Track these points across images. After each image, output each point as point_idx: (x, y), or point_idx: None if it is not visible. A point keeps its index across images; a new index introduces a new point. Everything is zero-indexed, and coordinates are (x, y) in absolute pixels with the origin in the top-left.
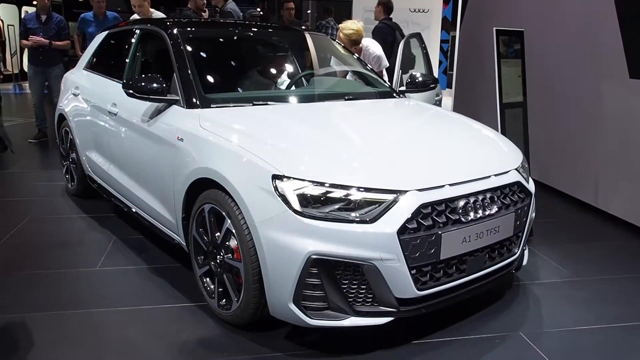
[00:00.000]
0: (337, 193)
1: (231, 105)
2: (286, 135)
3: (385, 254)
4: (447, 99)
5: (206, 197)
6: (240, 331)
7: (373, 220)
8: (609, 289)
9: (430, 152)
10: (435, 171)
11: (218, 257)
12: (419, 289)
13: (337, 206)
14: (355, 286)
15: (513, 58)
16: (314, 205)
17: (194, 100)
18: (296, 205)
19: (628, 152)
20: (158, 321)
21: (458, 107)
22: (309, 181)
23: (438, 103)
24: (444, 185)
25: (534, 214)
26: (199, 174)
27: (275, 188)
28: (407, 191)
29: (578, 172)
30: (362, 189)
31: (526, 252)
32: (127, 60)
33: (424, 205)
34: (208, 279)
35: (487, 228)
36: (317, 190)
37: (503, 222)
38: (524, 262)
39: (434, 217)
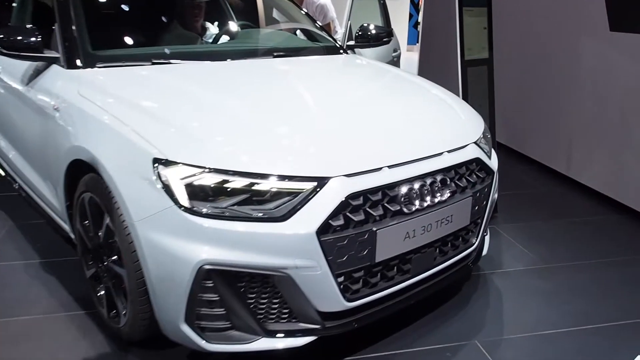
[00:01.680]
0: (238, 183)
1: (123, 64)
2: (184, 105)
3: (301, 260)
4: (416, 55)
5: (85, 184)
6: (134, 348)
7: (285, 217)
8: (580, 278)
9: (370, 126)
10: (371, 150)
11: (103, 258)
12: (348, 300)
13: (238, 200)
14: (266, 300)
15: (478, 6)
16: (208, 199)
17: (76, 58)
18: (184, 199)
19: (606, 114)
20: (34, 337)
21: (423, 65)
22: (200, 167)
23: (396, 60)
24: (381, 168)
25: (496, 195)
26: (73, 154)
27: (158, 176)
28: (330, 178)
29: (550, 137)
30: (271, 177)
31: (487, 239)
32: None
33: (353, 195)
34: (98, 283)
35: (437, 219)
36: (211, 180)
37: (458, 209)
38: (484, 252)
39: (368, 209)
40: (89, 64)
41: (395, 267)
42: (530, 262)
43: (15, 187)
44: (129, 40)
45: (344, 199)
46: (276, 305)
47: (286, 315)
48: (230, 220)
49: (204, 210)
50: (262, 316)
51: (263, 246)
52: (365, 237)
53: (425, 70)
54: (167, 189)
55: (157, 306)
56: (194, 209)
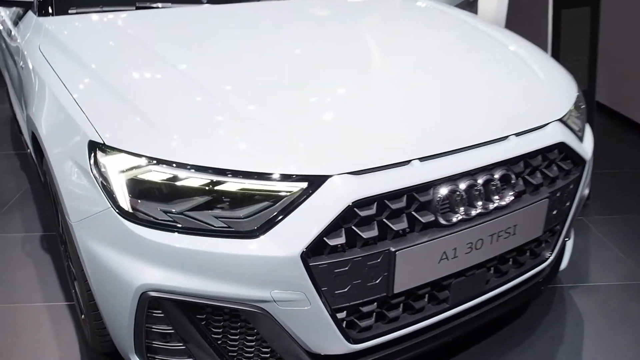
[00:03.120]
0: (198, 181)
1: (101, 9)
2: (152, 72)
3: (281, 292)
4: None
5: (43, 164)
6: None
7: (258, 231)
8: None
9: (399, 100)
10: (395, 135)
11: (67, 255)
12: (354, 341)
13: (194, 204)
14: (237, 337)
15: None
16: (155, 201)
17: (49, 3)
18: (123, 199)
19: None
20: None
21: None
22: (146, 157)
23: (472, 1)
24: (409, 161)
25: (587, 191)
26: (30, 125)
27: (94, 166)
28: (329, 176)
29: None
30: (244, 175)
31: (569, 245)
32: None
33: (362, 202)
34: (71, 278)
35: (491, 231)
36: (159, 175)
37: (525, 216)
38: (563, 266)
39: (385, 220)
40: (60, 10)
41: (427, 296)
42: (627, 273)
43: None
44: None
45: (347, 207)
46: (252, 343)
47: (267, 356)
48: (183, 233)
49: (149, 218)
50: (234, 354)
51: (227, 271)
52: (379, 260)
53: (509, 15)
54: (105, 184)
55: (109, 328)
56: (136, 214)
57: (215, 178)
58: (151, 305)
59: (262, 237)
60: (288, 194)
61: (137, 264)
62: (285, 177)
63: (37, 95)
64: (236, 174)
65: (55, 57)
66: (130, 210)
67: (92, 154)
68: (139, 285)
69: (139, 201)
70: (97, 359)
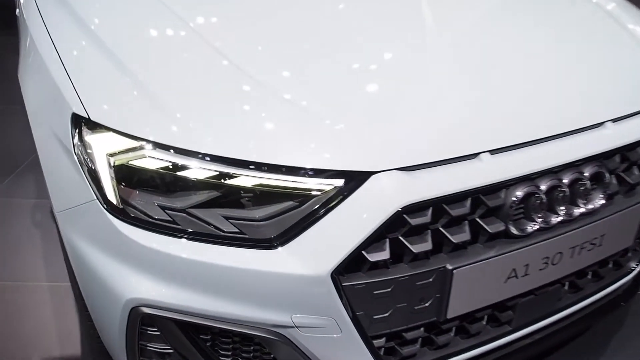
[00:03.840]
0: (203, 172)
1: None
2: (170, 35)
3: (304, 317)
4: None
5: None
6: None
7: (279, 240)
8: None
9: (469, 76)
10: (461, 121)
11: None
12: None
13: (201, 199)
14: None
15: None
16: (153, 194)
17: None
18: (111, 190)
19: None
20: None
21: None
22: (140, 140)
23: None
24: (477, 154)
25: None
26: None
27: (78, 145)
28: (372, 173)
29: None
30: (262, 167)
31: None
32: None
33: (414, 207)
34: None
35: (574, 243)
36: (158, 162)
37: (616, 223)
38: None
39: (442, 229)
40: None
41: (485, 318)
42: None
43: None
44: None
45: (395, 213)
46: None
47: None
48: (183, 237)
49: (141, 215)
50: None
51: (236, 288)
52: (431, 279)
53: None
54: (90, 169)
55: (100, 335)
56: (126, 209)
57: (225, 169)
58: (144, 322)
59: (281, 248)
60: (319, 193)
61: (126, 272)
62: (317, 172)
63: (25, 53)
64: (255, 166)
65: (48, 9)
66: (119, 205)
67: (77, 131)
68: (127, 300)
69: (130, 194)
70: (96, 345)
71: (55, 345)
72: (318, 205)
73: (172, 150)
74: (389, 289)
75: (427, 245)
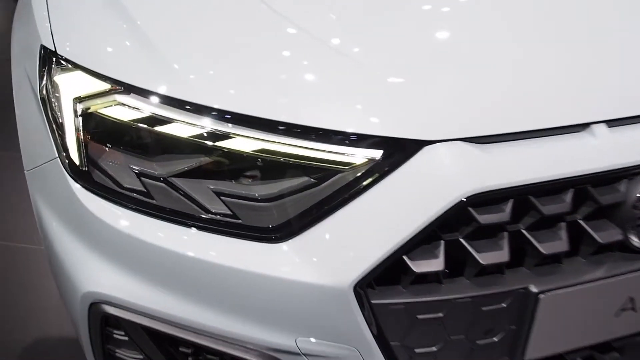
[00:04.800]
0: (190, 129)
1: None
2: None
3: (314, 342)
4: None
5: None
6: None
7: (282, 231)
8: None
9: (573, 27)
10: (570, 79)
11: None
12: None
13: (185, 166)
14: None
15: None
16: (128, 154)
17: None
18: (74, 146)
19: None
20: None
21: None
22: (115, 82)
23: None
24: (586, 126)
25: None
26: None
27: (45, 87)
28: (426, 144)
29: None
30: (264, 125)
31: None
32: None
33: (485, 198)
34: None
35: None
36: (132, 113)
37: None
38: None
39: (526, 232)
40: None
41: None
42: None
43: None
44: None
45: (457, 204)
46: None
47: None
48: (157, 216)
49: (107, 182)
50: None
51: (225, 293)
52: (504, 305)
53: None
54: (54, 117)
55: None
56: (91, 172)
57: (219, 127)
58: (109, 323)
59: (284, 243)
60: (344, 168)
61: (86, 256)
62: (343, 139)
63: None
64: (257, 123)
65: None
66: (83, 166)
67: (46, 69)
68: (85, 293)
69: (98, 152)
70: None
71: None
72: (342, 185)
73: (151, 96)
74: (441, 314)
75: (501, 255)
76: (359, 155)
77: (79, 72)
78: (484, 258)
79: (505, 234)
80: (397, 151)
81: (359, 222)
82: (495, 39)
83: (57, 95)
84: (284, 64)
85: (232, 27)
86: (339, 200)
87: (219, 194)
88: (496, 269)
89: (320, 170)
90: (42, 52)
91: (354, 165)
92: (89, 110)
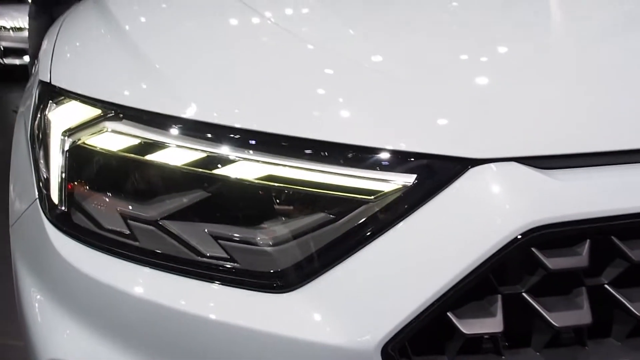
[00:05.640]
0: (189, 154)
1: None
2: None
3: None
4: None
5: None
6: None
7: (287, 278)
8: None
9: None
10: None
11: None
12: None
13: (180, 205)
14: None
15: None
16: (113, 191)
17: None
18: (56, 184)
19: None
20: None
21: None
22: (105, 105)
23: None
24: None
25: None
26: None
27: (38, 127)
28: (476, 162)
29: None
30: (272, 146)
31: None
32: None
33: (557, 234)
34: None
35: None
36: (121, 139)
37: None
38: None
39: (610, 287)
40: None
41: None
42: None
43: None
44: None
45: (514, 241)
46: None
47: None
48: (141, 261)
49: (86, 223)
50: None
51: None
52: None
53: None
54: (43, 153)
55: None
56: (71, 214)
57: (219, 150)
58: None
59: (294, 292)
60: (369, 198)
61: (56, 318)
62: (367, 158)
63: None
64: (260, 142)
65: None
66: (62, 205)
67: (40, 107)
68: None
69: (81, 190)
70: None
71: None
72: (365, 218)
73: (146, 119)
74: None
75: (581, 316)
76: (388, 181)
77: (72, 103)
78: (558, 319)
79: (583, 289)
80: (435, 174)
81: (386, 265)
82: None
83: (47, 132)
84: (299, 78)
85: (239, 45)
86: (361, 237)
87: (216, 235)
88: (574, 339)
89: (340, 202)
90: (39, 88)
91: (381, 193)
92: (77, 143)
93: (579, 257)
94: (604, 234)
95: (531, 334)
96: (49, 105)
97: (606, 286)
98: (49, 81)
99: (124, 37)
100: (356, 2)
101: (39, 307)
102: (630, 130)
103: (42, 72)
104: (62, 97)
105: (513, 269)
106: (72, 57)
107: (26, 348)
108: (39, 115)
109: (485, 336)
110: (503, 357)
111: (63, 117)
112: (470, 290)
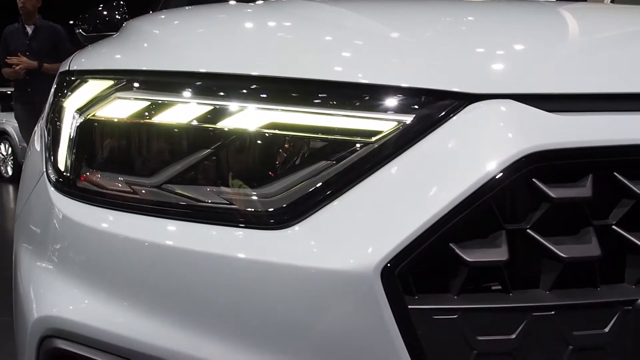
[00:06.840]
0: (194, 107)
1: None
2: None
3: None
4: None
5: None
6: None
7: (290, 213)
8: None
9: None
10: None
11: None
12: None
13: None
14: None
15: None
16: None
17: None
18: (64, 155)
19: None
20: None
21: None
22: (119, 74)
23: None
24: None
25: None
26: None
27: (52, 112)
28: (475, 98)
29: None
30: (263, 83)
31: None
32: None
33: (558, 162)
34: None
35: None
36: (129, 105)
37: None
38: None
39: (617, 228)
40: None
41: None
42: None
43: None
44: None
45: (513, 165)
46: None
47: None
48: (144, 210)
49: (90, 186)
50: None
51: (219, 300)
52: (607, 329)
53: None
54: (53, 129)
55: None
56: (77, 181)
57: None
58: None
59: (295, 227)
60: (368, 140)
61: (49, 276)
62: (361, 98)
63: None
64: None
65: None
66: (67, 172)
67: (55, 97)
68: (35, 320)
69: (88, 160)
70: None
71: None
72: (365, 155)
73: (154, 80)
74: (513, 336)
75: (590, 249)
76: (388, 120)
77: (86, 84)
78: (565, 251)
79: (591, 228)
80: (434, 110)
81: (385, 193)
82: None
83: (60, 116)
84: (301, 24)
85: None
86: (361, 170)
87: (218, 190)
88: (585, 278)
89: (339, 146)
90: (57, 80)
91: (381, 132)
92: (87, 116)
93: (582, 188)
94: (606, 169)
95: (539, 277)
96: (64, 93)
97: (614, 227)
98: (67, 69)
99: (139, 30)
100: None
101: (34, 272)
102: (630, 73)
103: (62, 66)
104: (78, 81)
105: (518, 208)
106: (91, 48)
107: (15, 316)
108: (53, 102)
109: (489, 265)
110: (511, 294)
111: (77, 98)
112: (474, 225)
